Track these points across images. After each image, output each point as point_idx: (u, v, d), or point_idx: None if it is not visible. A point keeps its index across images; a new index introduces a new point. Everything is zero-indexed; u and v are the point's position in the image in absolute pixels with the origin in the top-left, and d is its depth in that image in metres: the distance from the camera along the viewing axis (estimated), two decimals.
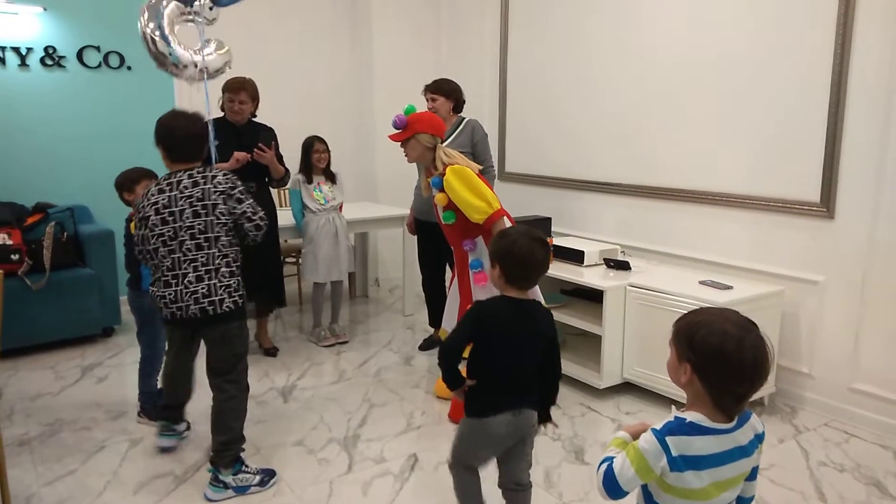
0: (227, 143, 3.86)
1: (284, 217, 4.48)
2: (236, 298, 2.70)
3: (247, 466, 2.78)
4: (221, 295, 2.65)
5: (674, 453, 1.36)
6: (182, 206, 2.63)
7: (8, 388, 3.79)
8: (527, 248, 2.07)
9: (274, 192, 4.44)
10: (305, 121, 5.51)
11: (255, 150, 3.88)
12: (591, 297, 3.95)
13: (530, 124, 5.08)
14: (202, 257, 2.64)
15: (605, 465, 1.43)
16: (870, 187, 3.21)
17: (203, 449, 3.09)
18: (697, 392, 1.40)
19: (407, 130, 3.20)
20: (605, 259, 4.00)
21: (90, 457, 3.04)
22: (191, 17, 3.51)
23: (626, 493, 1.41)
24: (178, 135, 2.71)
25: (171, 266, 2.65)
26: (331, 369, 4.10)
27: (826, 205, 3.37)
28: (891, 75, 3.08)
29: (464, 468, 2.24)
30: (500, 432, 2.10)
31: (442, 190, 3.14)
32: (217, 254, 2.66)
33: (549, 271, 3.93)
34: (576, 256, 4.00)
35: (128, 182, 3.25)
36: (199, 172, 2.68)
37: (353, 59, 5.99)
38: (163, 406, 3.12)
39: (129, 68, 5.01)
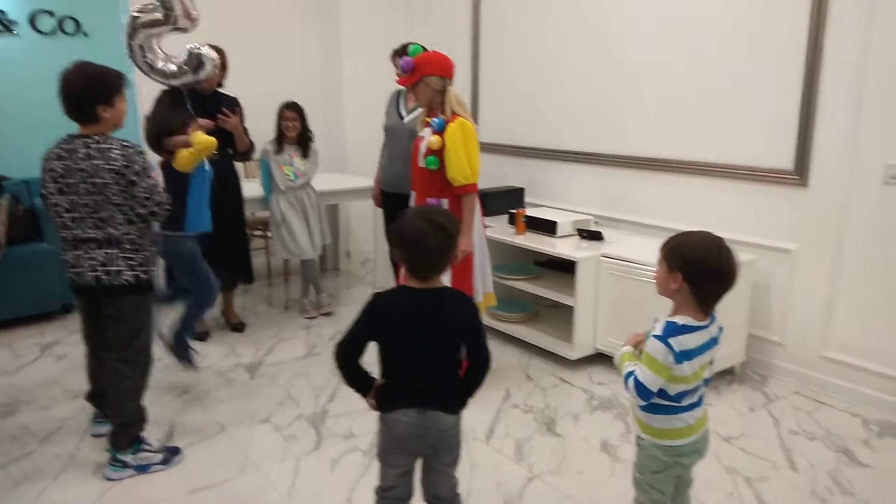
0: (190, 111, 3.73)
1: (250, 188, 4.36)
2: (138, 273, 2.54)
3: (148, 445, 2.70)
4: (119, 266, 2.50)
5: (676, 350, 1.72)
6: (76, 179, 2.43)
7: None
8: (417, 230, 1.79)
9: (239, 165, 4.30)
10: (272, 91, 5.33)
11: (219, 115, 3.75)
12: (564, 268, 3.90)
13: (503, 93, 4.97)
14: (102, 233, 2.48)
15: (631, 379, 1.77)
16: (844, 154, 3.17)
17: (164, 425, 3.01)
18: (685, 296, 1.76)
19: (414, 74, 3.07)
20: (577, 230, 3.94)
21: (48, 437, 2.94)
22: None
23: (654, 393, 1.76)
24: (62, 89, 2.43)
25: (74, 230, 2.49)
26: (300, 344, 4.01)
27: (800, 172, 3.33)
28: (866, 40, 3.03)
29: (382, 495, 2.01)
30: (402, 432, 1.88)
31: (440, 133, 3.04)
32: (114, 232, 2.49)
33: (523, 242, 3.94)
34: (548, 227, 3.94)
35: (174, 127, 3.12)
36: (96, 143, 2.43)
37: (321, 26, 5.80)
38: (86, 395, 2.96)
39: (85, 34, 4.80)
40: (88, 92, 2.44)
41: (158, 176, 2.83)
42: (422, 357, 1.87)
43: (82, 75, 2.45)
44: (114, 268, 2.50)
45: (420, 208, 1.91)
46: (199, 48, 3.63)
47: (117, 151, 2.44)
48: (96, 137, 2.46)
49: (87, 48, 4.84)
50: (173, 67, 3.61)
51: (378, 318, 1.87)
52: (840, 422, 3.07)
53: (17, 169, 4.55)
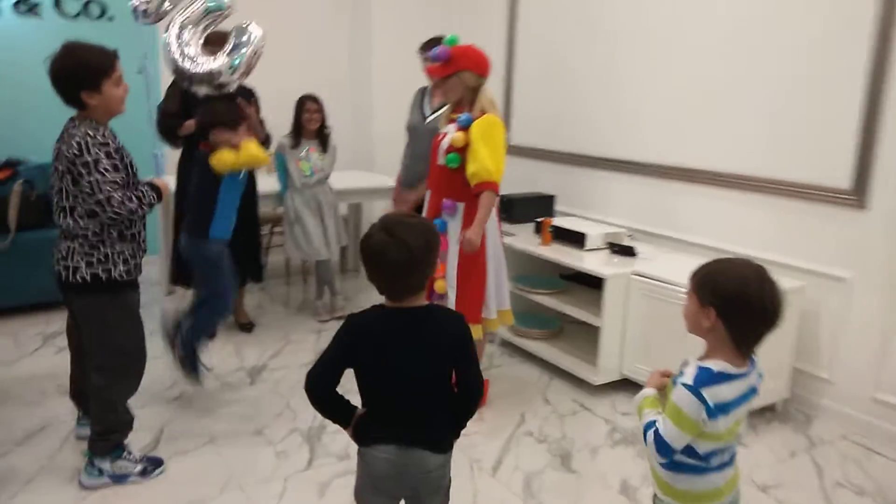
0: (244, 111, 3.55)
1: (268, 183, 4.19)
2: (97, 271, 2.31)
3: (129, 454, 2.51)
4: (77, 262, 2.29)
5: (710, 403, 1.43)
6: (57, 163, 2.29)
7: None
8: (378, 244, 1.56)
9: None
10: (300, 85, 5.17)
11: None
12: (592, 284, 3.62)
13: (538, 95, 4.70)
14: (65, 223, 2.31)
15: (651, 433, 1.49)
16: None
17: (151, 431, 2.83)
18: (719, 337, 1.49)
19: (449, 66, 2.86)
20: (609, 243, 3.65)
21: (29, 437, 2.78)
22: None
23: (677, 451, 1.48)
24: (48, 75, 2.25)
25: (55, 216, 2.34)
26: (308, 348, 3.81)
27: (858, 193, 2.99)
28: None
29: None
30: (381, 469, 1.64)
31: (465, 130, 2.83)
32: (73, 224, 2.29)
33: (547, 254, 3.67)
34: (577, 239, 3.66)
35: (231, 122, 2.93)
36: (72, 128, 2.26)
37: (352, 17, 5.60)
38: (70, 392, 2.80)
39: (110, 19, 4.69)
40: (71, 78, 2.24)
41: (167, 181, 2.65)
42: (400, 386, 1.63)
43: (65, 60, 2.25)
44: (72, 263, 2.30)
45: (389, 218, 1.63)
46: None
47: (77, 139, 2.23)
48: (76, 122, 2.28)
49: (112, 32, 4.69)
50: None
51: (351, 342, 1.63)
52: (893, 475, 2.73)
53: (34, 153, 4.44)
